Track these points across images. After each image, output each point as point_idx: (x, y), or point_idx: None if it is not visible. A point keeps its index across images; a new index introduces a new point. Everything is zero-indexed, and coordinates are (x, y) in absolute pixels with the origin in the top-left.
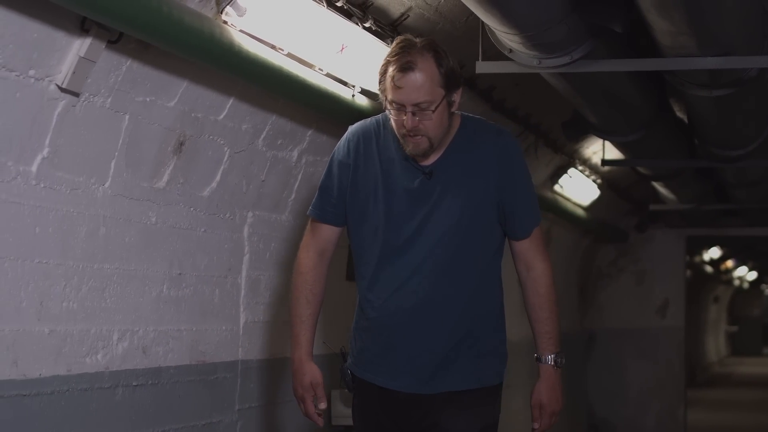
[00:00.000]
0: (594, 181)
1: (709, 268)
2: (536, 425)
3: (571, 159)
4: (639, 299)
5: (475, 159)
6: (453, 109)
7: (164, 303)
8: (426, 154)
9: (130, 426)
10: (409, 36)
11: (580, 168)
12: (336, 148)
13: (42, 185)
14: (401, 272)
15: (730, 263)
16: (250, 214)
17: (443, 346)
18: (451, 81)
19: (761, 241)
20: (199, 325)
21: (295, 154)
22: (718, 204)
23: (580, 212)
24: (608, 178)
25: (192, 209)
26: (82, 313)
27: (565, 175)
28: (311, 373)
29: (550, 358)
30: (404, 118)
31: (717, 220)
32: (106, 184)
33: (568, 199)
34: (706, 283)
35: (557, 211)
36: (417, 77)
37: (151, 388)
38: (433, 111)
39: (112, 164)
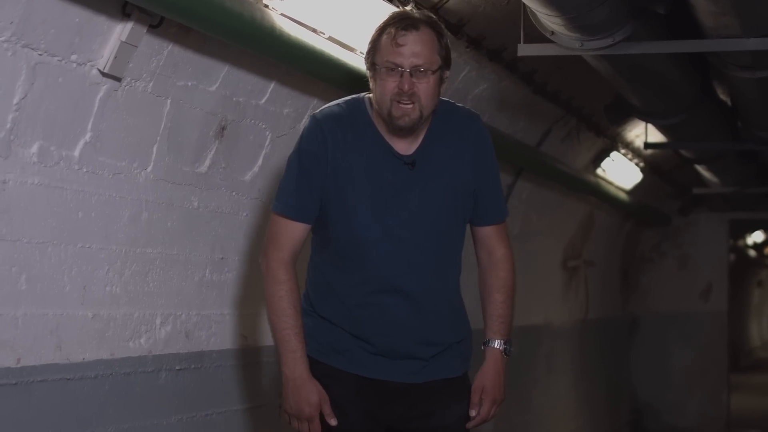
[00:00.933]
0: (636, 164)
1: (752, 252)
2: (474, 412)
3: (614, 142)
4: (682, 283)
5: (454, 146)
6: (442, 88)
7: (207, 287)
8: (412, 128)
9: (174, 410)
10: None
11: (623, 151)
12: (302, 138)
13: (84, 170)
14: (389, 264)
15: None
16: None
17: (437, 336)
18: (447, 55)
19: None
20: (241, 310)
21: None
22: (761, 187)
23: (623, 196)
24: (651, 161)
25: (234, 194)
26: (125, 297)
27: (607, 159)
28: (317, 389)
29: (499, 343)
30: (399, 80)
31: (760, 203)
32: (149, 169)
33: (610, 183)
34: (749, 268)
35: (600, 194)
36: (419, 37)
37: (194, 372)
38: (432, 75)
39: (154, 149)
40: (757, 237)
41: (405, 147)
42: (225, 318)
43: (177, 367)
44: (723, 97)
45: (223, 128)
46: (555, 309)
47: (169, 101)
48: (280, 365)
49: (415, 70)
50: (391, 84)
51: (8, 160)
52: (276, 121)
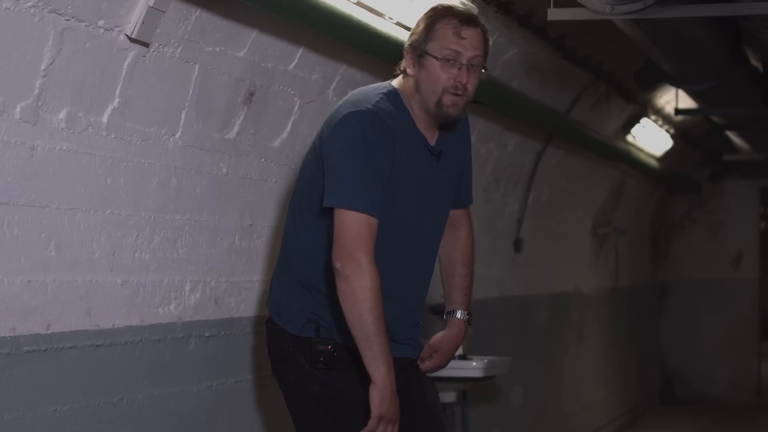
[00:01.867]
0: (667, 131)
1: None
2: (424, 364)
3: (644, 109)
4: (712, 251)
5: (457, 136)
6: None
7: (236, 254)
8: (453, 119)
9: (203, 377)
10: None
11: (653, 118)
12: (364, 129)
13: (113, 136)
14: (415, 249)
15: None
16: None
17: (422, 315)
18: (487, 52)
19: None
20: (271, 277)
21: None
22: None
23: (653, 163)
24: (681, 127)
25: (263, 160)
26: (154, 263)
27: (637, 125)
28: None
29: (463, 314)
30: (455, 72)
31: None
32: (177, 135)
33: (640, 150)
34: None
35: (630, 161)
36: (478, 33)
37: (224, 339)
38: (482, 70)
39: (183, 115)
40: None
41: (430, 137)
42: (254, 285)
43: (206, 334)
44: (755, 62)
45: (252, 94)
46: (585, 277)
47: (197, 67)
48: (369, 368)
49: (470, 65)
50: (445, 75)
51: (36, 126)
52: (304, 87)
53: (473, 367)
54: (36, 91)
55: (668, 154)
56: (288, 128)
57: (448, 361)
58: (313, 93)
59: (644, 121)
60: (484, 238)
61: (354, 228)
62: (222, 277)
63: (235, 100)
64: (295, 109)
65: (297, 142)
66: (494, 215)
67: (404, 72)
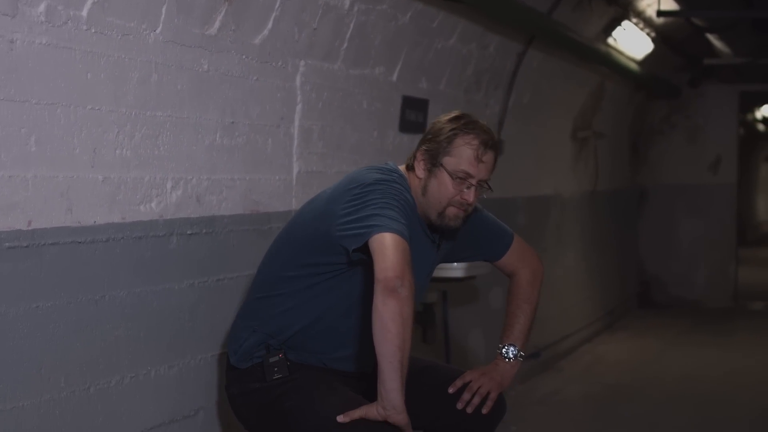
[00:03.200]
0: (648, 34)
1: (761, 127)
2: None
3: (625, 11)
4: (691, 156)
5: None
6: None
7: (217, 151)
8: (452, 231)
9: (185, 275)
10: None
11: (634, 21)
12: (401, 188)
13: (93, 30)
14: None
15: None
16: (302, 62)
17: None
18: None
19: None
20: (252, 175)
21: (347, 1)
22: None
23: (633, 66)
24: (662, 31)
25: (244, 57)
26: (135, 160)
27: (618, 28)
28: None
29: (515, 350)
30: (464, 189)
31: None
32: (158, 30)
33: (621, 53)
34: (758, 142)
35: (610, 64)
36: (494, 156)
37: (206, 237)
38: (484, 190)
39: (163, 9)
40: (766, 111)
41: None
42: (236, 183)
43: (188, 232)
44: None
45: None
46: (564, 180)
47: None
48: (392, 392)
49: (480, 185)
50: (453, 189)
51: (15, 20)
52: None
53: (454, 268)
54: None
55: (649, 58)
56: (269, 25)
57: (493, 387)
58: None
59: (625, 23)
60: None
61: (402, 251)
62: (203, 174)
63: None
64: (277, 6)
65: (278, 39)
66: (475, 116)
67: (413, 169)
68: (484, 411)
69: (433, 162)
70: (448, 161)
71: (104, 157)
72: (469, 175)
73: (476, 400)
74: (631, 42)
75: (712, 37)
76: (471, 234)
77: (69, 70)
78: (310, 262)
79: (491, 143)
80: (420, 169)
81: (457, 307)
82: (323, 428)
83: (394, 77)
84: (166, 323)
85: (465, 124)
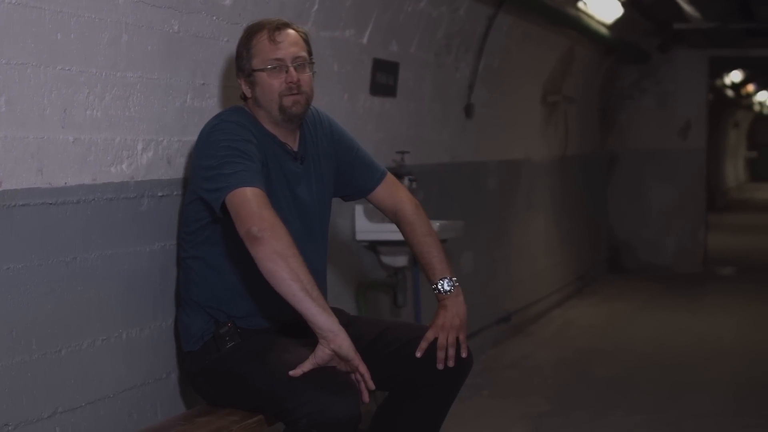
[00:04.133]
0: None
1: (730, 93)
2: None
3: None
4: (660, 121)
5: (320, 140)
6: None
7: (188, 113)
8: (300, 118)
9: (156, 236)
10: None
11: None
12: (230, 124)
13: None
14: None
15: (750, 87)
16: None
17: None
18: (311, 52)
19: None
20: None
21: None
22: (743, 22)
23: (603, 31)
24: None
25: (215, 18)
26: (105, 121)
27: None
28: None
29: (450, 282)
30: (284, 75)
31: (741, 40)
32: None
33: (591, 17)
34: (726, 108)
35: (580, 28)
36: (293, 33)
37: (177, 199)
38: (310, 67)
39: None
40: (735, 77)
41: (292, 144)
42: None
43: (159, 194)
44: None
45: None
46: (535, 144)
47: None
48: (317, 318)
49: (296, 65)
50: (276, 81)
51: None
52: None
53: None
54: None
55: (618, 23)
56: None
57: (458, 331)
58: None
59: None
60: (435, 102)
61: (246, 197)
62: (174, 136)
63: None
64: None
65: (249, 0)
66: (445, 80)
67: (244, 97)
68: (464, 355)
69: (247, 73)
70: (255, 63)
71: (75, 118)
72: (277, 60)
73: (452, 352)
74: (601, 6)
75: (681, 2)
76: (345, 157)
77: (39, 29)
78: (193, 228)
79: (281, 24)
80: (246, 90)
81: None
82: (278, 385)
83: (365, 40)
84: (138, 285)
85: (252, 27)
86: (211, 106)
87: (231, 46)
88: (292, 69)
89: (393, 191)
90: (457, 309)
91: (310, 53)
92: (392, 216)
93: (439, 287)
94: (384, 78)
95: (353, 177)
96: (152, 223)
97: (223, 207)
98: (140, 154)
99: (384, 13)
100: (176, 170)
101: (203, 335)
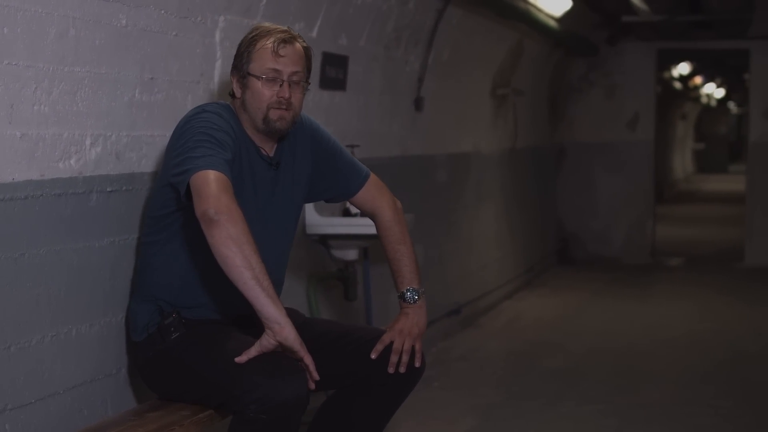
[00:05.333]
0: None
1: (677, 85)
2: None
3: None
4: (609, 113)
5: (299, 146)
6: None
7: (137, 108)
8: (283, 132)
9: (105, 232)
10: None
11: None
12: (212, 114)
13: None
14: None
15: (698, 80)
16: (221, 18)
17: None
18: (310, 68)
19: (731, 55)
20: (172, 131)
21: None
22: (690, 15)
23: (552, 24)
24: None
25: (163, 12)
26: (53, 116)
27: None
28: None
29: (413, 292)
30: (278, 88)
31: (689, 32)
32: None
33: (540, 10)
34: (674, 100)
35: (529, 21)
36: (298, 48)
37: (126, 194)
38: (304, 86)
39: None
40: (682, 69)
41: (269, 150)
42: (155, 139)
43: (108, 189)
44: None
45: None
46: (484, 137)
47: None
48: (265, 308)
49: (291, 81)
50: (268, 92)
51: None
52: None
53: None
54: None
55: (567, 15)
56: None
57: (414, 339)
58: None
59: None
60: (385, 96)
61: (208, 180)
62: (123, 131)
63: None
64: None
65: None
66: (395, 73)
67: (233, 95)
68: (417, 364)
69: (242, 75)
70: (253, 68)
71: (22, 114)
72: (275, 72)
73: (405, 358)
74: None
75: None
76: (326, 162)
77: None
78: (159, 213)
79: (288, 38)
80: (236, 89)
81: (378, 264)
82: (225, 373)
83: (314, 33)
84: (87, 281)
85: (259, 31)
86: (159, 101)
87: (179, 40)
88: (286, 85)
89: (374, 195)
90: (418, 319)
91: (309, 69)
92: (372, 219)
93: (405, 296)
94: (333, 72)
95: (335, 182)
96: (101, 219)
97: (188, 192)
98: (88, 149)
99: (333, 6)
100: (125, 165)
101: (148, 326)
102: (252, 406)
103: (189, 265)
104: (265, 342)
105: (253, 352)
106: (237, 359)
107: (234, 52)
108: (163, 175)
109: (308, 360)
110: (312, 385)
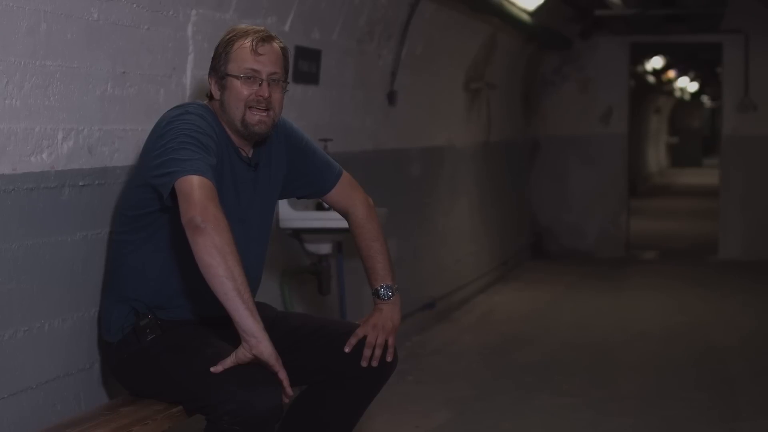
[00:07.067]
0: None
1: (651, 79)
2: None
3: None
4: (583, 107)
5: (274, 146)
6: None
7: (109, 102)
8: (262, 136)
9: (78, 226)
10: None
11: None
12: (195, 117)
13: None
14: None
15: (671, 73)
16: (193, 12)
17: None
18: (288, 69)
19: (704, 49)
20: (144, 125)
21: None
22: (663, 8)
23: (525, 17)
24: None
25: (134, 6)
26: (25, 111)
27: None
28: None
29: (387, 289)
30: (256, 88)
31: (662, 26)
32: None
33: (513, 4)
34: (647, 94)
35: (502, 15)
36: (276, 48)
37: (98, 189)
38: (283, 86)
39: None
40: (656, 63)
41: (247, 150)
42: (128, 134)
43: (80, 183)
44: None
45: None
46: (457, 131)
47: None
48: (244, 321)
49: (270, 80)
50: (246, 91)
51: None
52: None
53: None
54: None
55: (540, 9)
56: None
57: (388, 334)
58: None
59: None
60: (358, 90)
61: (195, 185)
62: (95, 125)
63: None
64: None
65: None
66: (368, 67)
67: (211, 97)
68: (389, 359)
69: (220, 76)
70: (231, 68)
71: None
72: (254, 71)
73: (378, 353)
74: None
75: None
76: (301, 160)
77: None
78: (135, 213)
79: (266, 36)
80: (215, 90)
81: (352, 259)
82: (200, 381)
83: (287, 27)
84: (59, 276)
85: (236, 32)
86: (132, 95)
87: (151, 34)
88: (265, 84)
89: (347, 193)
90: (392, 314)
91: (286, 70)
92: (345, 217)
93: (379, 293)
94: (306, 66)
95: (308, 181)
96: (74, 213)
97: (171, 194)
98: (60, 143)
99: (305, 0)
100: (98, 159)
101: (123, 327)
102: (226, 417)
103: (166, 266)
104: (241, 354)
105: (228, 363)
106: (213, 369)
107: (206, 45)
108: (140, 174)
109: (282, 375)
110: (286, 400)
